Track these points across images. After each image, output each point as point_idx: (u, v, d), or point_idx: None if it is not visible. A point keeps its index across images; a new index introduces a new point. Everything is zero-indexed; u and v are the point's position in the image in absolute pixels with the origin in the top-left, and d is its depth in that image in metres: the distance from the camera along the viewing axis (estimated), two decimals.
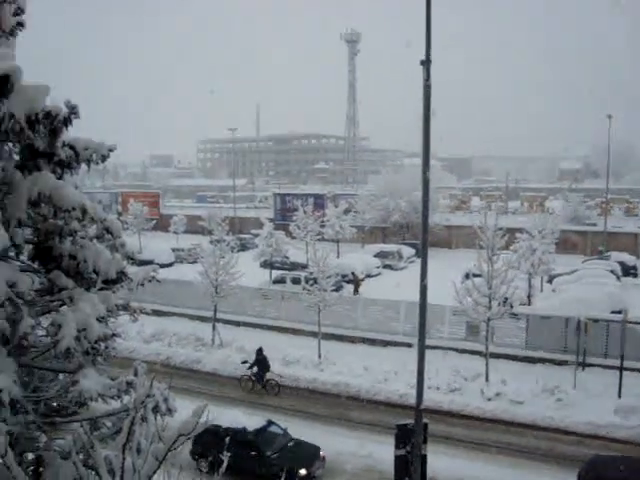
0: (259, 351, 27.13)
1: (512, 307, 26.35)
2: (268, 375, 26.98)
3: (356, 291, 40.91)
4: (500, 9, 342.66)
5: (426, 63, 13.15)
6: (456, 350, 29.35)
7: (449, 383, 25.53)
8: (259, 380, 26.82)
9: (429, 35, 13.24)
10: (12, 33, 9.43)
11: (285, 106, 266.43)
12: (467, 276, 32.20)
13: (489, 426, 23.20)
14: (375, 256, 52.56)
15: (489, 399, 24.39)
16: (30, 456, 9.30)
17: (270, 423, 20.61)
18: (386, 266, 51.85)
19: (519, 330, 29.55)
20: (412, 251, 55.30)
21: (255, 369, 26.89)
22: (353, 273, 42.66)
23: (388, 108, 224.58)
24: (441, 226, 61.01)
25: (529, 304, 36.04)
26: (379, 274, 49.58)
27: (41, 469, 8.88)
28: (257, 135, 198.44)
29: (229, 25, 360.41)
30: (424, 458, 14.45)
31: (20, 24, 9.47)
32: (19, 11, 9.42)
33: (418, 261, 15.03)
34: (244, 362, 27.28)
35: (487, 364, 25.74)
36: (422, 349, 14.16)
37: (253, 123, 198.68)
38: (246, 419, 20.30)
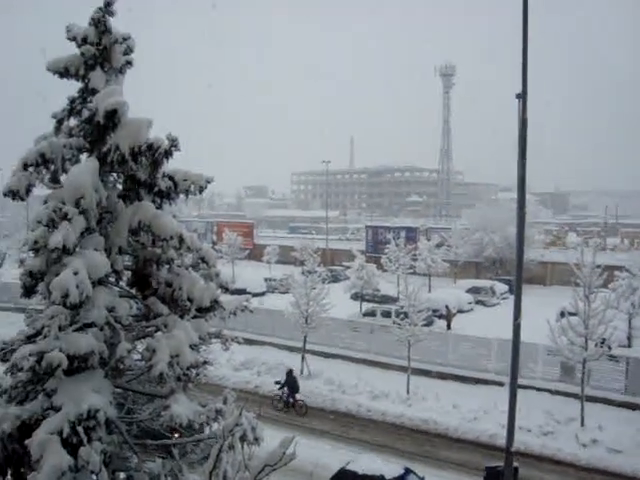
0: (289, 372, 28.29)
1: (610, 349, 25.21)
2: (297, 396, 27.99)
3: (449, 326, 40.24)
4: (603, 43, 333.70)
5: (522, 97, 13.00)
6: (549, 391, 28.16)
7: (541, 426, 24.51)
8: (288, 400, 27.84)
9: (525, 69, 13.09)
10: (121, 70, 9.92)
11: (378, 138, 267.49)
12: (562, 314, 31.11)
13: (583, 475, 21.98)
14: (467, 291, 51.62)
15: (584, 445, 23.24)
16: (122, 475, 9.57)
17: (408, 471, 19.27)
18: (478, 302, 50.77)
19: (618, 373, 28.17)
20: (505, 287, 53.97)
21: (286, 390, 28.03)
22: (447, 307, 42.00)
23: (482, 141, 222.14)
24: (535, 262, 59.23)
25: (629, 346, 34.47)
26: (471, 310, 48.57)
27: None
28: (350, 167, 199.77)
29: (323, 58, 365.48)
30: None
31: (129, 62, 9.95)
32: (129, 50, 9.91)
33: (511, 297, 14.73)
34: (277, 382, 28.40)
35: (582, 408, 24.64)
36: (514, 389, 13.78)
37: (346, 155, 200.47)
38: (383, 465, 19.18)
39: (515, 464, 13.91)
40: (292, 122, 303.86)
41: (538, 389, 28.14)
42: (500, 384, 28.31)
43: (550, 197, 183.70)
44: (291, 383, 28.09)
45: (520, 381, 14.34)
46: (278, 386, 28.19)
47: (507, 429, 13.76)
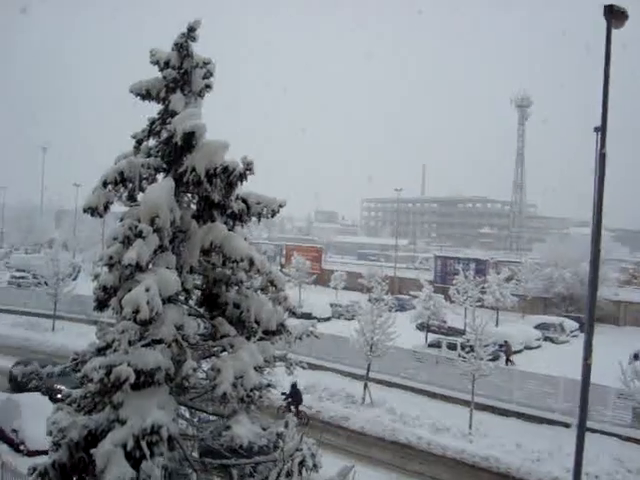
0: (294, 385, 28.91)
1: None
2: (300, 407, 29.13)
3: (508, 360, 39.34)
4: None
5: (601, 130, 12.71)
6: (619, 437, 27.04)
7: (610, 474, 23.38)
8: (291, 410, 28.38)
9: (606, 102, 12.80)
10: (200, 94, 10.18)
11: (449, 167, 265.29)
12: (636, 357, 30.07)
13: None
14: (536, 327, 50.47)
15: None
16: None
17: None
18: (547, 338, 49.54)
19: None
20: (575, 325, 52.51)
21: (290, 400, 29.17)
22: (506, 342, 41.09)
23: (557, 174, 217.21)
24: (609, 301, 57.46)
25: None
26: (539, 346, 47.43)
27: None
28: (421, 195, 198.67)
29: (394, 84, 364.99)
30: None
31: (208, 86, 10.20)
32: (208, 74, 10.16)
33: (581, 335, 14.29)
34: (283, 394, 28.76)
35: None
36: (582, 431, 13.29)
37: (417, 183, 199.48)
38: None
39: None
40: (359, 147, 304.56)
41: (607, 434, 27.07)
42: (566, 425, 27.46)
43: (627, 234, 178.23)
44: (295, 395, 29.34)
45: (588, 424, 13.80)
46: (284, 397, 29.06)
47: (573, 473, 13.26)
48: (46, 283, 46.95)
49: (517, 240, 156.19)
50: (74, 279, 53.73)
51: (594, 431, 25.24)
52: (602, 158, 12.80)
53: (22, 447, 22.77)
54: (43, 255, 57.07)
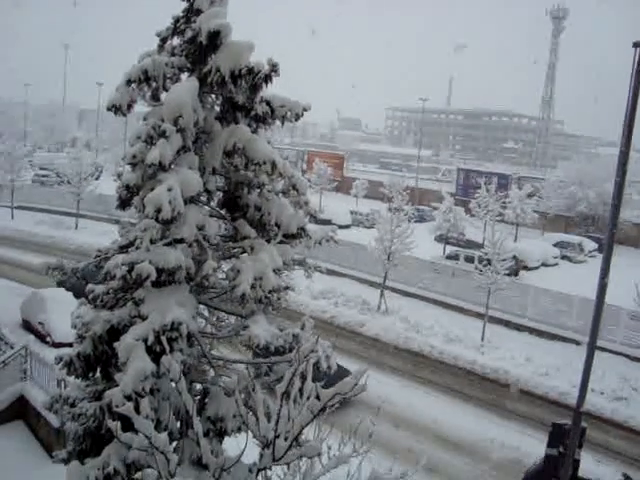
0: None
1: None
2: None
3: (514, 274, 39.18)
4: None
5: None
6: (628, 357, 27.50)
7: (615, 390, 23.92)
8: None
9: None
10: None
11: (476, 80, 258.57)
12: None
13: None
14: (554, 245, 50.38)
15: None
16: (198, 387, 9.99)
17: (627, 477, 17.86)
18: (564, 257, 49.52)
19: None
20: (594, 245, 52.30)
21: None
22: (515, 256, 40.88)
23: (588, 92, 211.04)
24: (630, 223, 56.94)
25: None
26: (556, 264, 47.50)
27: (206, 400, 9.52)
28: (447, 107, 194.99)
29: None
30: (577, 463, 13.82)
31: None
32: None
33: (599, 256, 14.23)
34: None
35: None
36: (592, 349, 13.42)
37: (443, 94, 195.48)
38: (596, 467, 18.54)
39: (583, 424, 13.69)
40: (387, 54, 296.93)
41: (616, 353, 27.52)
42: (577, 342, 27.87)
43: None
44: None
45: (599, 343, 13.94)
46: None
47: (579, 388, 13.44)
48: (69, 182, 47.33)
49: (542, 156, 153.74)
50: (97, 178, 54.14)
51: (604, 350, 25.60)
52: (638, 75, 12.36)
53: (48, 339, 23.58)
54: (66, 154, 57.29)
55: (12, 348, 18.86)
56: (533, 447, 18.98)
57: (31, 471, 15.55)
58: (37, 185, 62.18)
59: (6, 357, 18.43)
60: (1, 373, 18.13)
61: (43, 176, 66.07)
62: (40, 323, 24.49)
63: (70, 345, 10.73)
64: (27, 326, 25.31)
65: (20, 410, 18.27)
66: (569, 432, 13.59)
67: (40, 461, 15.98)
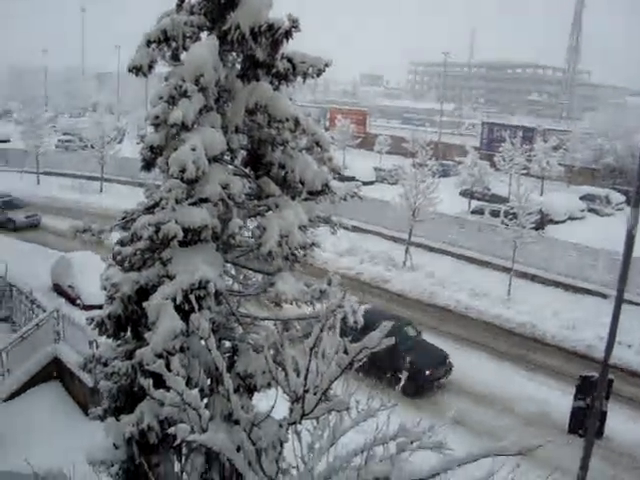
0: None
1: None
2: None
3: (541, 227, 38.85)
4: None
5: None
6: None
7: None
8: None
9: None
10: None
11: (500, 31, 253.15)
12: None
13: None
14: (581, 198, 49.81)
15: None
16: (227, 344, 10.12)
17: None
18: (591, 210, 48.94)
19: None
20: (622, 198, 51.50)
21: None
22: (540, 210, 40.56)
23: (615, 41, 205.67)
24: None
25: None
26: (583, 218, 47.00)
27: (235, 357, 9.66)
28: (469, 60, 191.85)
29: None
30: (604, 414, 13.91)
31: None
32: None
33: (627, 209, 14.01)
34: None
35: None
36: (620, 300, 13.33)
37: (465, 48, 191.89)
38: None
39: (610, 376, 13.71)
40: (409, 11, 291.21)
41: None
42: (604, 296, 27.61)
43: None
44: None
45: (626, 296, 13.78)
46: None
47: (607, 341, 13.43)
48: (92, 146, 47.56)
49: (567, 108, 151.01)
50: (119, 142, 54.31)
51: (631, 303, 25.37)
52: None
53: (78, 302, 24.00)
54: (88, 118, 57.45)
55: (44, 311, 19.25)
56: (560, 400, 19.08)
57: (68, 428, 15.98)
58: (61, 150, 62.59)
59: (39, 320, 18.84)
60: (35, 335, 18.53)
61: (67, 141, 66.43)
62: (70, 286, 24.90)
63: (100, 307, 10.91)
64: (58, 289, 25.75)
65: (55, 371, 18.73)
66: (596, 384, 13.64)
67: (76, 419, 16.45)
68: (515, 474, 7.75)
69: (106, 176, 48.85)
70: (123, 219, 10.34)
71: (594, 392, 13.67)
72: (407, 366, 17.90)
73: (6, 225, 37.54)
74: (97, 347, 14.30)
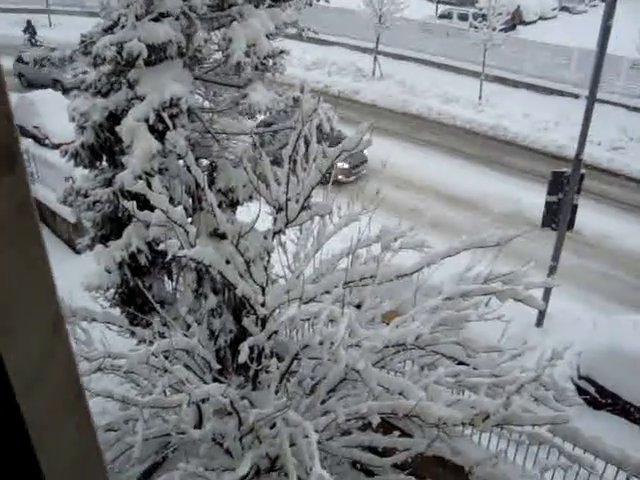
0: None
1: None
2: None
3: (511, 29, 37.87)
4: None
5: None
6: (627, 107, 27.08)
7: (612, 140, 24.11)
8: None
9: None
10: None
11: None
12: None
13: None
14: None
15: None
16: (205, 162, 10.11)
17: None
18: (564, 8, 47.28)
19: None
20: None
21: None
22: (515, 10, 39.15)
23: None
24: None
25: None
26: (555, 17, 45.61)
27: (214, 174, 9.69)
28: None
29: None
30: (575, 207, 14.34)
31: None
32: None
33: (601, 5, 13.61)
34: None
35: None
36: (592, 97, 13.29)
37: None
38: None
39: (582, 171, 14.00)
40: None
41: (616, 104, 27.03)
42: (576, 96, 27.46)
43: None
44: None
45: (598, 95, 13.64)
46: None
47: (579, 138, 13.50)
48: None
49: None
50: None
51: (602, 101, 25.31)
52: None
53: (47, 141, 23.51)
54: None
55: None
56: (534, 199, 19.60)
57: (58, 263, 16.28)
58: None
59: None
60: None
61: None
62: (35, 127, 24.29)
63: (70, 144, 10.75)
64: (22, 131, 25.13)
65: None
66: (568, 179, 13.99)
67: (66, 257, 16.68)
68: (493, 266, 8.15)
69: (53, 7, 45.96)
70: (82, 42, 9.94)
71: (566, 187, 14.04)
72: None
73: None
74: (74, 182, 14.28)
